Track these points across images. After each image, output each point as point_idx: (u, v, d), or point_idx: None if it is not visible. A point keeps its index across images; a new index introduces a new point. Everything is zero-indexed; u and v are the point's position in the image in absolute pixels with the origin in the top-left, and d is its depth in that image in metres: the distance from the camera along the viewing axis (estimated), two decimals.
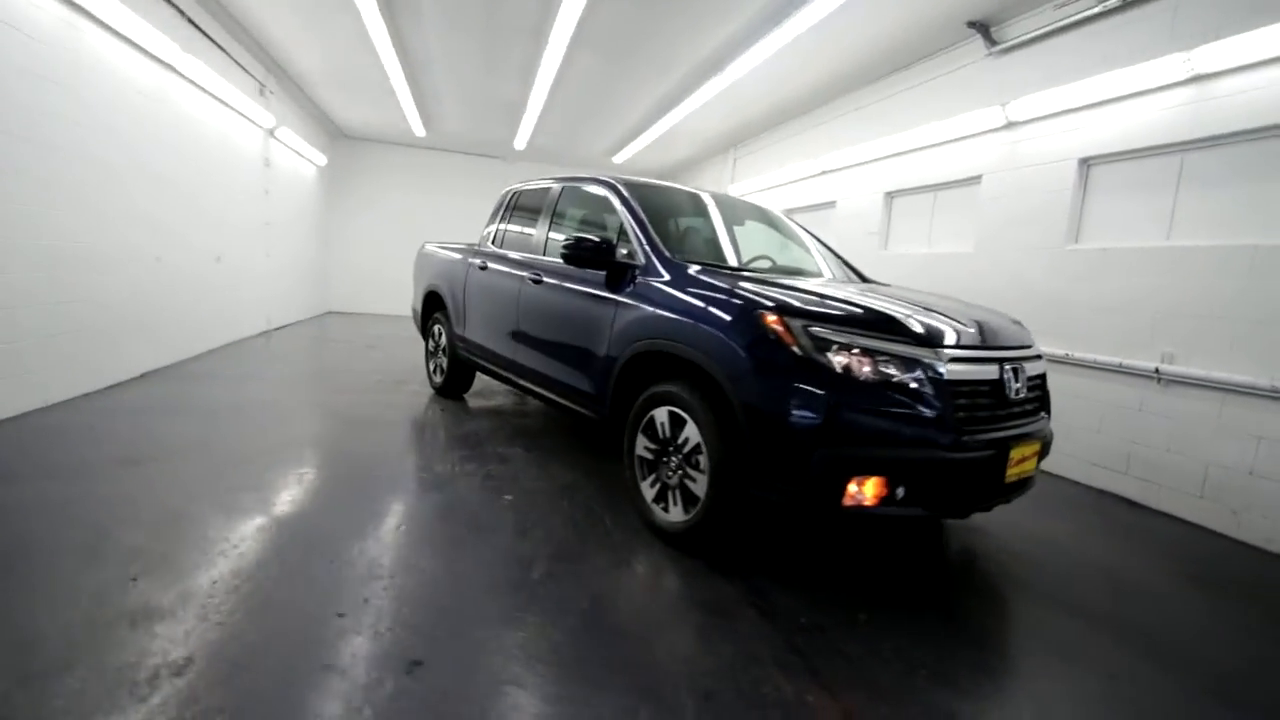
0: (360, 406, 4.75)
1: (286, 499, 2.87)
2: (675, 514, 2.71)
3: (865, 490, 2.24)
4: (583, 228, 4.03)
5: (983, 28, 5.05)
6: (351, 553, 2.40)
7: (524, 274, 3.93)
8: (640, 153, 10.70)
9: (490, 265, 4.41)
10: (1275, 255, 3.36)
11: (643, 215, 3.28)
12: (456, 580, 2.29)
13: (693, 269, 2.90)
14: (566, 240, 3.25)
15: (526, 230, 4.28)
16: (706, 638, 2.08)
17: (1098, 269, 4.25)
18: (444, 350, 5.17)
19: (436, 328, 5.31)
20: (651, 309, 2.87)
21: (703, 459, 2.56)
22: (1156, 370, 3.78)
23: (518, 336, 3.96)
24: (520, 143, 10.57)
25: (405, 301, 12.30)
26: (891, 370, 2.27)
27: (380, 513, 2.83)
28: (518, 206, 4.53)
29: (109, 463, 3.10)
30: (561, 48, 5.94)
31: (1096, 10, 4.19)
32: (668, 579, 2.46)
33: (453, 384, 5.20)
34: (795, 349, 2.29)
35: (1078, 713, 1.90)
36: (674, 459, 2.73)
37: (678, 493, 2.71)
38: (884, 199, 6.44)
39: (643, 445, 2.89)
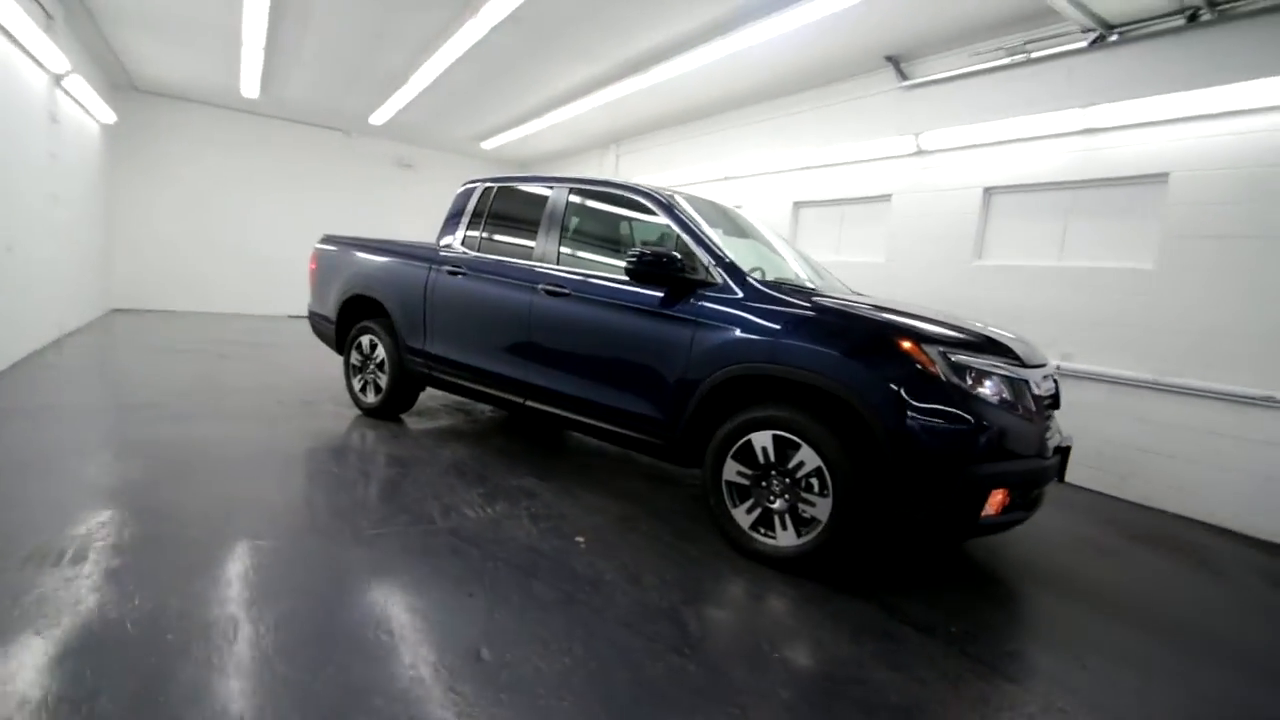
0: (285, 441, 3.89)
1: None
2: (785, 539, 2.69)
3: (994, 502, 2.45)
4: (602, 239, 3.76)
5: (897, 62, 5.67)
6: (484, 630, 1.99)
7: (532, 285, 3.53)
8: (514, 142, 10.16)
9: (471, 273, 3.87)
10: (1142, 277, 4.33)
11: (707, 230, 3.15)
12: (632, 669, 2.04)
13: (767, 288, 2.88)
14: (632, 254, 3.01)
15: (523, 236, 3.83)
16: (898, 663, 2.12)
17: (1002, 282, 5.08)
18: (382, 366, 4.44)
19: (366, 339, 4.53)
20: (745, 332, 2.79)
21: (815, 482, 2.58)
22: (1058, 366, 4.66)
23: (529, 354, 3.55)
24: (380, 118, 9.36)
25: (226, 296, 10.30)
26: (1008, 390, 2.50)
27: (468, 579, 2.38)
28: (499, 208, 4.03)
29: None
30: (491, 22, 5.38)
31: (1005, 62, 4.96)
32: (808, 609, 2.44)
33: (393, 403, 4.49)
34: (939, 375, 2.41)
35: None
36: (777, 484, 2.71)
37: (786, 517, 2.69)
38: (792, 207, 6.94)
39: (734, 471, 2.81)
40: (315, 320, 5.13)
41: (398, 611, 2.11)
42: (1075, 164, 4.65)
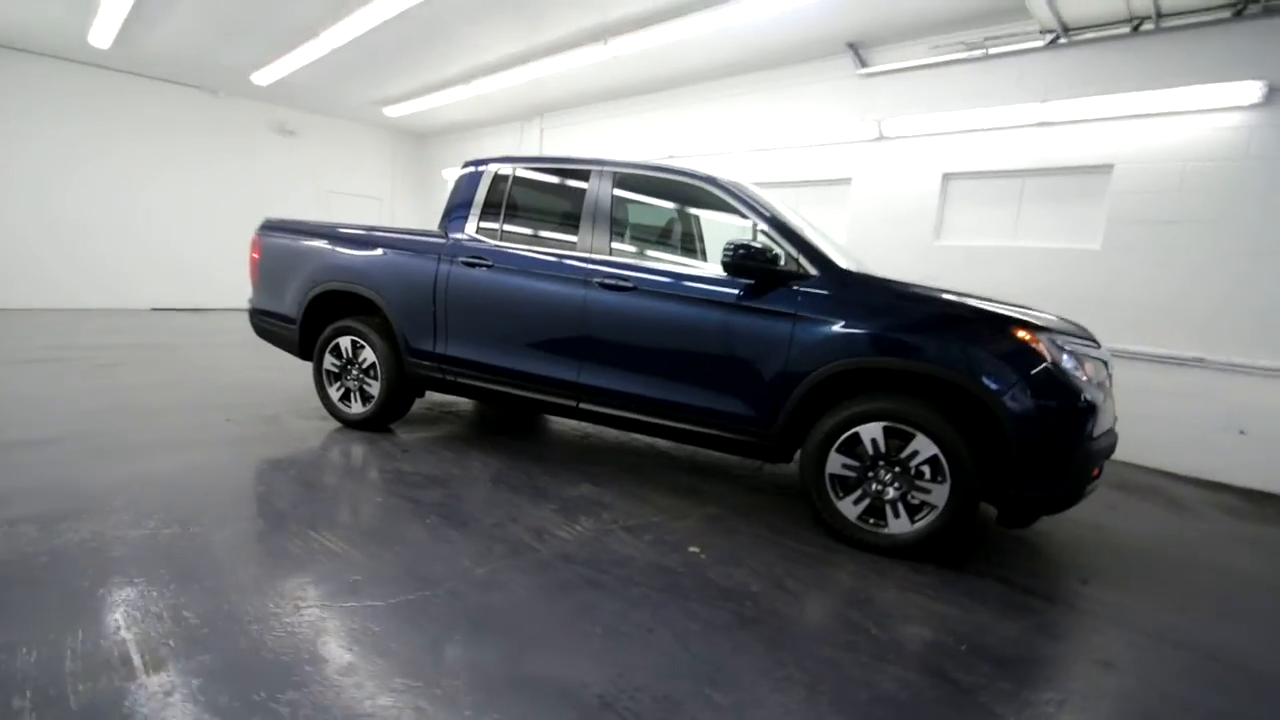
0: (277, 472, 3.29)
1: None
2: (897, 526, 2.75)
3: (1093, 474, 2.67)
4: (659, 230, 3.53)
5: (857, 49, 5.87)
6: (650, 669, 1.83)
7: (585, 280, 3.23)
8: (425, 111, 9.26)
9: (498, 266, 3.46)
10: (1090, 256, 4.91)
11: (787, 218, 3.06)
12: (865, 686, 1.97)
13: (864, 280, 2.89)
14: (729, 248, 2.86)
15: (559, 226, 3.48)
16: (1060, 635, 2.26)
17: (962, 261, 5.52)
18: (372, 371, 3.87)
19: (347, 341, 3.92)
20: (855, 325, 2.76)
21: (927, 469, 2.66)
22: None
23: (583, 354, 3.26)
24: (266, 77, 8.05)
25: (72, 288, 8.42)
26: (1097, 371, 2.72)
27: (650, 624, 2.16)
28: (521, 195, 3.62)
29: None
30: None
31: (963, 56, 5.31)
32: (950, 594, 2.51)
33: (387, 413, 3.96)
34: (1052, 361, 2.55)
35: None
36: (887, 474, 2.75)
37: (899, 505, 2.74)
38: None
39: (839, 464, 2.81)
40: (263, 320, 4.35)
41: (589, 664, 1.86)
42: (1029, 154, 5.13)
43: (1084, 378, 2.62)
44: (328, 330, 4.01)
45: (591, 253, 3.31)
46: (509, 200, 3.62)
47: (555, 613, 2.12)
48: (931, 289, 2.90)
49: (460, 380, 3.65)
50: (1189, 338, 4.49)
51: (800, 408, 2.86)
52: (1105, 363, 2.82)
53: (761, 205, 3.11)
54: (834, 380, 2.82)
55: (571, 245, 3.39)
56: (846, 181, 6.21)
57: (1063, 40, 4.82)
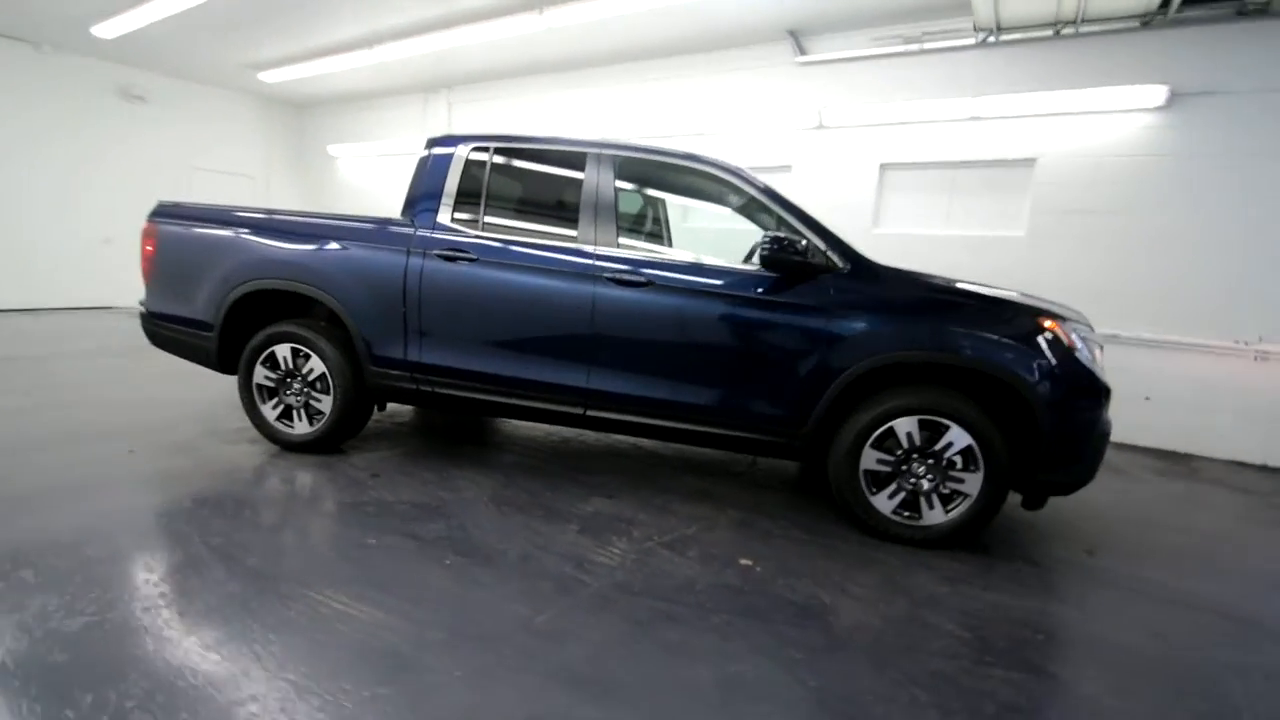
0: (225, 520, 2.70)
1: None
2: (933, 517, 2.77)
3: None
4: (659, 220, 3.26)
5: (797, 36, 5.89)
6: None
7: (593, 274, 2.92)
8: (310, 78, 8.18)
9: (484, 259, 3.03)
10: (1016, 244, 5.30)
11: (807, 211, 2.93)
12: (992, 701, 1.91)
13: (894, 274, 2.87)
14: (767, 240, 2.71)
15: (550, 214, 3.12)
16: (1106, 612, 2.37)
17: (899, 249, 5.75)
18: (319, 384, 3.30)
19: (285, 350, 3.31)
20: (892, 319, 2.73)
21: (959, 459, 2.69)
22: None
23: (591, 356, 2.95)
24: (112, 30, 6.65)
25: None
26: (1100, 355, 2.88)
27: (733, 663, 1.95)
28: (502, 179, 3.19)
29: None
30: None
31: (900, 50, 5.49)
32: (996, 581, 2.56)
33: (341, 431, 3.40)
34: (1075, 348, 2.65)
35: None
36: (920, 466, 2.75)
37: (934, 497, 2.76)
38: None
39: (874, 459, 2.78)
40: (163, 326, 3.58)
41: None
42: (961, 147, 5.43)
43: (1099, 361, 2.77)
44: (259, 337, 3.36)
45: (596, 245, 3.01)
46: (489, 186, 3.19)
47: (649, 661, 1.87)
48: (951, 281, 2.93)
49: (439, 391, 3.20)
50: (1104, 316, 4.98)
51: (834, 405, 2.79)
52: (1101, 346, 3.01)
53: (784, 197, 2.97)
54: (867, 376, 2.77)
55: (570, 238, 3.05)
56: (787, 169, 6.27)
57: (992, 40, 5.12)
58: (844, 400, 2.80)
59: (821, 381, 2.77)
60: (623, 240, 3.02)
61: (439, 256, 3.10)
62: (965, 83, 5.31)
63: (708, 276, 2.93)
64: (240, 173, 9.64)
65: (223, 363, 3.51)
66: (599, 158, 3.11)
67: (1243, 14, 4.27)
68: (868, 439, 2.77)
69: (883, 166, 5.81)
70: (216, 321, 3.40)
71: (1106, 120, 4.84)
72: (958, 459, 2.71)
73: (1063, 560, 2.82)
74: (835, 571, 2.53)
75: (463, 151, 3.25)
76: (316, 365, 3.31)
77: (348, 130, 9.68)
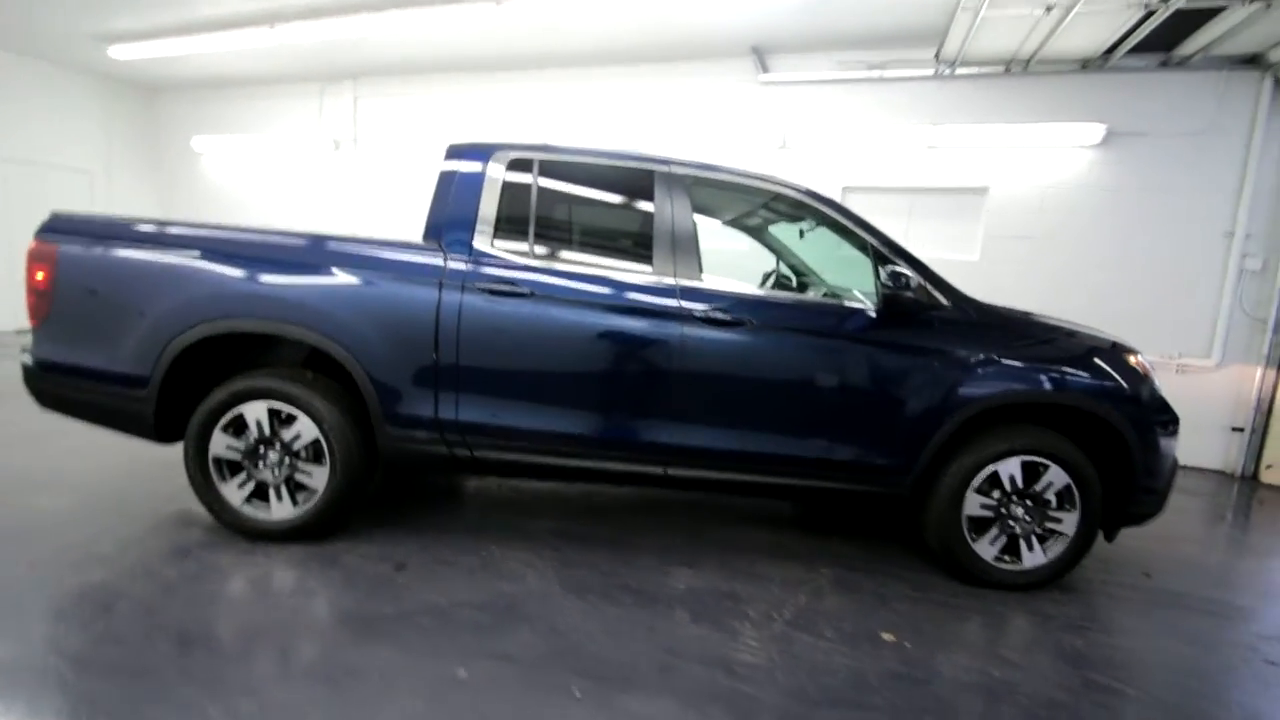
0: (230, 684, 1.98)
1: None
2: (1031, 560, 2.71)
3: None
4: (743, 251, 2.92)
5: (761, 54, 5.81)
6: None
7: (681, 312, 2.52)
8: (176, 57, 6.78)
9: (546, 296, 2.50)
10: (970, 267, 5.61)
11: (896, 242, 2.76)
12: None
13: (988, 309, 2.78)
14: (891, 276, 2.49)
15: (617, 241, 2.66)
16: (1216, 642, 2.42)
17: (862, 271, 5.88)
18: (314, 453, 2.57)
19: (258, 411, 2.54)
20: (1002, 359, 2.61)
21: (1054, 499, 2.67)
22: None
23: (678, 405, 2.55)
24: None
25: None
26: None
27: None
28: (551, 199, 2.66)
29: None
30: None
31: (862, 76, 5.60)
32: (1107, 621, 2.55)
33: (341, 510, 2.67)
34: (1153, 382, 2.72)
35: None
36: (1019, 508, 2.69)
37: (1032, 539, 2.70)
38: None
39: (978, 504, 2.67)
40: (65, 384, 2.62)
41: None
42: (919, 173, 5.65)
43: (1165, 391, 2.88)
44: (219, 395, 2.55)
45: (678, 278, 2.61)
46: (537, 207, 2.67)
47: None
48: (1032, 315, 2.90)
49: (479, 455, 2.61)
50: None
51: (942, 450, 2.64)
52: None
53: (877, 229, 2.78)
54: (972, 418, 2.65)
55: (642, 269, 2.63)
56: None
57: (947, 72, 5.38)
58: (949, 445, 2.67)
59: (929, 426, 2.61)
60: (707, 273, 2.66)
61: (485, 291, 2.53)
62: (924, 112, 5.53)
63: (810, 314, 2.67)
64: (71, 167, 7.76)
65: (161, 430, 2.64)
66: (669, 177, 2.72)
67: (1165, 65, 4.83)
68: (970, 484, 2.66)
69: (845, 189, 5.90)
70: (154, 375, 2.54)
71: (1050, 154, 5.25)
72: (1053, 498, 2.68)
73: (1138, 585, 2.90)
74: (974, 635, 2.38)
75: (498, 164, 2.69)
76: (305, 429, 2.57)
77: (218, 120, 8.18)
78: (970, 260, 5.59)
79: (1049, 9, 4.10)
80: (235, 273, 2.53)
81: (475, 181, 2.67)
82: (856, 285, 3.47)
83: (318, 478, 2.61)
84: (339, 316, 2.51)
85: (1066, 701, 1.99)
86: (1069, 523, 2.68)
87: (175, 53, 6.63)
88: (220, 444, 2.59)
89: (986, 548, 2.71)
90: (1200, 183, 4.90)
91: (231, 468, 2.63)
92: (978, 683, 2.06)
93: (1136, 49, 4.63)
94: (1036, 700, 1.99)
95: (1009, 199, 5.43)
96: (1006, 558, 2.72)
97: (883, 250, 2.75)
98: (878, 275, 2.67)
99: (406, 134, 7.31)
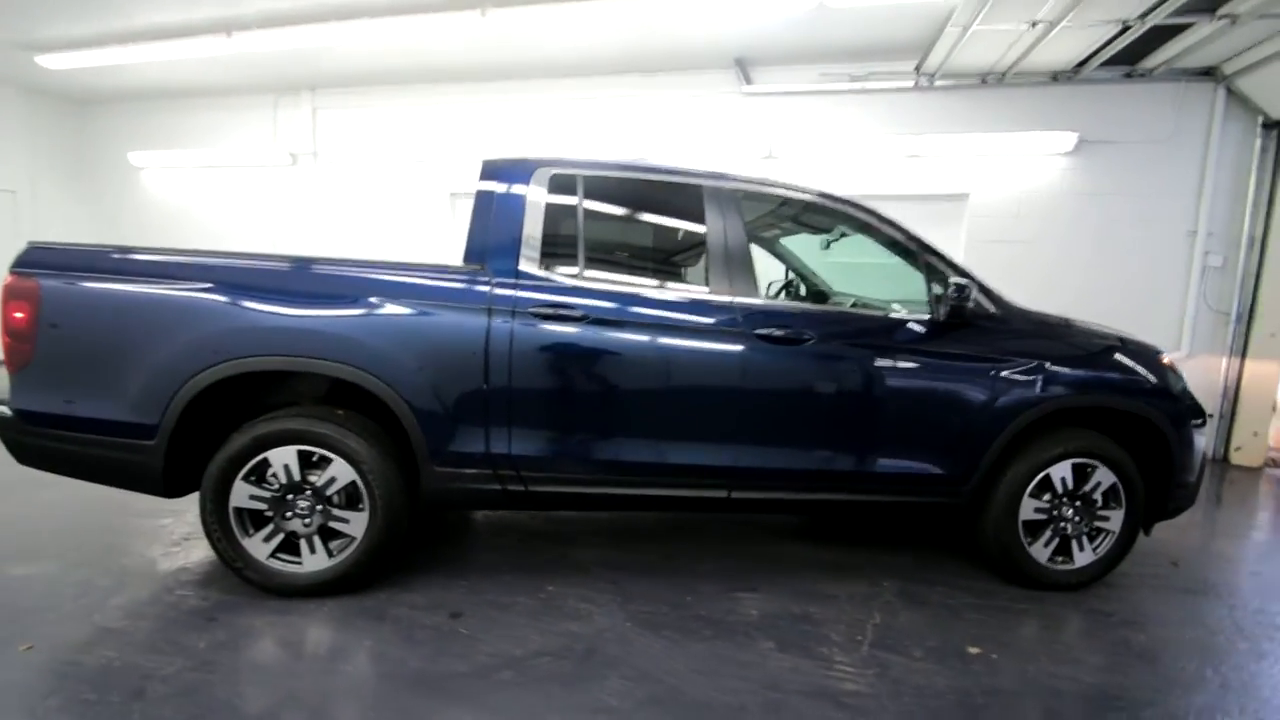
0: None
1: None
2: (1082, 559, 2.76)
3: None
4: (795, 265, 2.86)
5: (744, 66, 5.84)
6: None
7: (743, 330, 2.44)
8: (113, 66, 6.25)
9: (601, 318, 2.37)
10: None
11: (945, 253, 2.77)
12: None
13: (1034, 315, 2.82)
14: (956, 286, 2.49)
15: (670, 260, 2.56)
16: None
17: (853, 275, 5.97)
18: (345, 498, 2.35)
19: (286, 456, 2.30)
20: (1048, 367, 2.64)
21: (1100, 498, 2.73)
22: None
23: (741, 427, 2.47)
24: None
25: None
26: None
27: None
28: (597, 217, 2.54)
29: None
30: None
31: (845, 88, 5.70)
32: (1163, 615, 2.61)
33: (381, 558, 2.45)
34: (1184, 382, 2.82)
35: None
36: (1070, 509, 2.73)
37: (1084, 539, 2.75)
38: None
39: (1032, 508, 2.69)
40: (53, 436, 2.31)
41: None
42: (902, 181, 5.79)
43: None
44: (242, 440, 2.29)
45: (735, 296, 2.53)
46: (584, 226, 2.53)
47: None
48: (1086, 322, 2.95)
49: (534, 489, 2.45)
50: None
51: (1000, 458, 2.65)
52: None
53: (925, 240, 2.79)
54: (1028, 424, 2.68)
55: (699, 289, 2.54)
56: None
57: (926, 84, 5.54)
58: (1007, 452, 2.68)
59: (988, 434, 2.62)
60: (765, 290, 2.60)
61: (536, 315, 2.38)
62: (905, 122, 5.67)
63: (870, 327, 2.65)
64: None
65: (170, 483, 2.36)
66: (716, 192, 2.64)
67: (1129, 76, 5.11)
68: (1026, 489, 2.68)
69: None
70: (164, 423, 2.26)
71: (1028, 162, 5.48)
72: (1099, 498, 2.74)
73: (1161, 576, 3.00)
74: (1049, 640, 2.39)
75: (540, 181, 2.54)
76: (341, 472, 2.35)
77: (159, 134, 7.59)
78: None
79: (1034, 24, 4.28)
80: (258, 305, 2.29)
81: (517, 200, 2.52)
82: (874, 294, 3.50)
83: (355, 524, 2.39)
84: (379, 349, 2.31)
85: (1163, 701, 2.01)
86: (1115, 520, 2.74)
87: (115, 61, 6.12)
88: (242, 494, 2.33)
89: (1041, 550, 2.74)
90: (1164, 186, 5.21)
91: (254, 519, 2.38)
92: (1076, 690, 2.06)
93: (1105, 62, 4.89)
94: (1138, 702, 2.00)
95: (989, 205, 5.62)
96: (1059, 558, 2.76)
97: (935, 262, 2.76)
98: (932, 287, 2.68)
99: (371, 148, 6.97)
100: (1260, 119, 4.91)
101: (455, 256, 2.62)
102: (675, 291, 2.56)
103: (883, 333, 2.65)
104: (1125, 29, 4.25)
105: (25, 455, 2.38)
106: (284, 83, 6.99)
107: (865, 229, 2.91)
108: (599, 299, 2.44)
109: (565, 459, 2.44)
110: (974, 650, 2.27)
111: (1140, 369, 2.74)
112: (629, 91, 6.24)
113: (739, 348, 2.47)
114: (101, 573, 2.57)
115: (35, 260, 2.32)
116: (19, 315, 2.27)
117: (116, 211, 7.94)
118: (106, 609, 2.30)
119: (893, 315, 2.77)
